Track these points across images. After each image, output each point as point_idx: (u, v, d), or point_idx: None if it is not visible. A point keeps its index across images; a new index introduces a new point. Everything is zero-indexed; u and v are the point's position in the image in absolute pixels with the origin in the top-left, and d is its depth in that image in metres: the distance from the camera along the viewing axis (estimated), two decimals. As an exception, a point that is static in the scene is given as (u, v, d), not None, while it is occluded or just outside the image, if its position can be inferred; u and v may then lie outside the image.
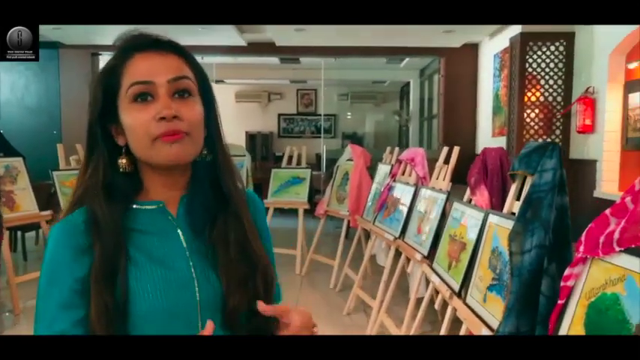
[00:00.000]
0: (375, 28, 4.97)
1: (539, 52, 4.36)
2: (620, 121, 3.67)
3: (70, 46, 6.12)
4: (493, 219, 2.02)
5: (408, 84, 9.14)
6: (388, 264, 3.43)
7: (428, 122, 7.97)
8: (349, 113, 10.58)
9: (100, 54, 6.30)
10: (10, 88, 6.26)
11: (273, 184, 5.32)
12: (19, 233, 5.40)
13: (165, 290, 0.81)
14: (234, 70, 8.51)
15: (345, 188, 4.81)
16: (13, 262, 4.07)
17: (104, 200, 0.82)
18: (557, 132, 4.36)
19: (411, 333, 2.71)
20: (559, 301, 1.32)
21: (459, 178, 2.99)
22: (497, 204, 2.20)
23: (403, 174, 3.70)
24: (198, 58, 0.91)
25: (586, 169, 3.88)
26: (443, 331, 2.24)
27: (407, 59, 7.59)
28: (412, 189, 3.39)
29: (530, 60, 4.37)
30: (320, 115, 10.00)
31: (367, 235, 4.45)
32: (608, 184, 3.73)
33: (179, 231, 0.86)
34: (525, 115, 4.39)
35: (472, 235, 2.19)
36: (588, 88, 3.92)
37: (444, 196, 2.87)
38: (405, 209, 3.36)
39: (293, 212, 5.25)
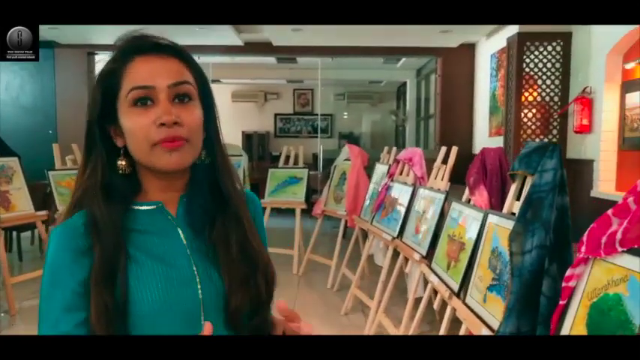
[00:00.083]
0: (372, 28, 4.97)
1: (537, 52, 4.36)
2: (617, 121, 3.68)
3: (66, 45, 6.09)
4: (493, 219, 2.02)
5: (404, 84, 9.13)
6: (386, 264, 3.43)
7: (424, 122, 7.98)
8: (345, 113, 10.58)
9: (96, 53, 6.28)
10: (5, 87, 6.22)
11: (270, 183, 5.31)
12: (14, 233, 5.37)
13: (167, 288, 0.81)
14: (231, 70, 8.50)
15: (342, 188, 4.80)
16: (9, 262, 4.05)
17: (103, 201, 0.82)
18: (555, 132, 4.37)
19: (410, 333, 2.70)
20: (560, 302, 1.31)
21: (456, 178, 2.99)
22: (496, 204, 2.20)
23: (401, 174, 3.70)
24: (195, 58, 0.90)
25: (583, 168, 3.89)
26: (442, 332, 2.23)
27: (403, 59, 7.60)
28: (410, 189, 3.38)
29: (528, 60, 4.38)
30: (317, 114, 10.00)
31: (365, 234, 4.44)
32: (605, 184, 3.74)
33: (179, 230, 0.87)
34: (522, 114, 4.39)
35: (471, 235, 2.18)
36: (585, 88, 3.93)
37: (442, 196, 2.87)
38: (402, 209, 3.36)
39: (290, 212, 5.25)
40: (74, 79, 6.18)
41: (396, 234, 3.31)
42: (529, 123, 4.40)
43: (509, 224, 1.78)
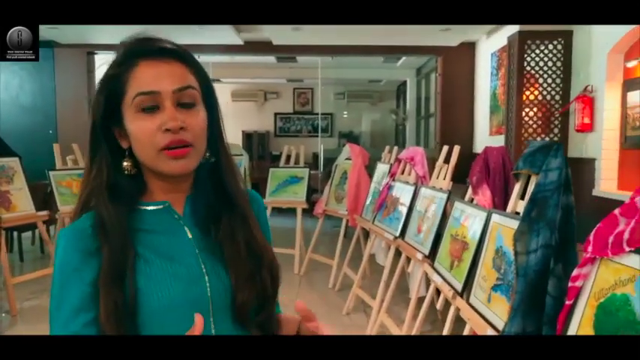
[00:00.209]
0: (372, 27, 4.96)
1: (537, 51, 4.35)
2: (619, 120, 3.67)
3: (66, 45, 6.07)
4: (496, 218, 2.01)
5: (404, 83, 9.12)
6: (388, 263, 3.43)
7: (425, 121, 7.97)
8: (345, 112, 10.57)
9: (96, 53, 6.26)
10: (5, 87, 6.20)
11: (271, 183, 5.30)
12: (15, 233, 5.36)
13: (176, 286, 0.82)
14: (231, 69, 8.48)
15: (343, 187, 4.80)
16: (10, 262, 4.04)
17: (109, 201, 0.83)
18: (556, 130, 4.36)
19: (413, 333, 2.70)
20: (567, 302, 1.31)
21: (457, 177, 2.99)
22: (499, 203, 2.19)
23: (402, 173, 3.69)
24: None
25: (585, 167, 3.88)
26: (445, 332, 2.23)
27: (403, 58, 7.58)
28: (412, 188, 3.38)
29: (529, 58, 4.37)
30: (317, 114, 9.99)
31: (366, 234, 4.44)
32: (606, 183, 3.73)
33: (186, 229, 0.88)
34: (524, 113, 4.38)
35: (475, 235, 2.18)
36: (587, 87, 3.92)
37: (444, 196, 2.87)
38: (404, 208, 3.35)
39: (291, 211, 5.24)
40: (74, 79, 6.16)
41: (397, 233, 3.31)
42: (530, 122, 4.39)
43: (514, 224, 1.77)
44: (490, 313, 1.84)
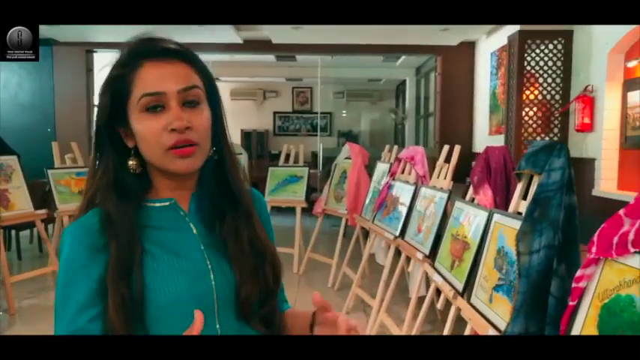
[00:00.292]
0: (372, 27, 4.95)
1: (538, 50, 4.35)
2: (619, 120, 3.67)
3: (64, 43, 6.05)
4: (498, 218, 2.00)
5: (403, 82, 9.12)
6: (388, 263, 3.42)
7: (424, 120, 7.97)
8: (344, 111, 10.56)
9: (95, 51, 6.24)
10: (4, 85, 6.18)
11: (270, 182, 5.29)
12: (13, 232, 5.34)
13: (182, 281, 0.84)
14: (230, 68, 8.46)
15: (343, 187, 4.79)
16: (8, 261, 4.03)
17: (116, 199, 0.85)
18: (556, 130, 4.36)
19: (413, 332, 2.69)
20: (570, 303, 1.30)
21: (456, 177, 2.99)
22: (500, 203, 2.19)
23: (402, 172, 3.68)
24: None
25: (584, 167, 3.88)
26: (446, 332, 2.22)
27: (403, 57, 7.58)
28: (412, 188, 3.37)
29: (529, 58, 4.36)
30: (316, 113, 9.97)
31: (365, 233, 4.43)
32: (606, 183, 3.73)
33: (191, 225, 0.90)
34: (524, 113, 4.38)
35: (476, 235, 2.17)
36: (587, 87, 3.92)
37: (445, 195, 2.86)
38: (404, 208, 3.35)
39: (290, 210, 5.23)
40: (73, 77, 6.15)
41: (397, 233, 3.30)
42: (530, 121, 4.39)
43: (516, 224, 1.77)
44: (492, 313, 1.84)
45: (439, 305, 2.46)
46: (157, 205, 0.89)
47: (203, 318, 0.74)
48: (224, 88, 9.68)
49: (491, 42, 5.50)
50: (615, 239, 1.19)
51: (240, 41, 6.01)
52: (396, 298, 3.56)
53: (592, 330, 1.23)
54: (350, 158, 4.79)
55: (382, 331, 3.29)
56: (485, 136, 5.60)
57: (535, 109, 4.38)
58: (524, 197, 1.87)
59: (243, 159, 5.31)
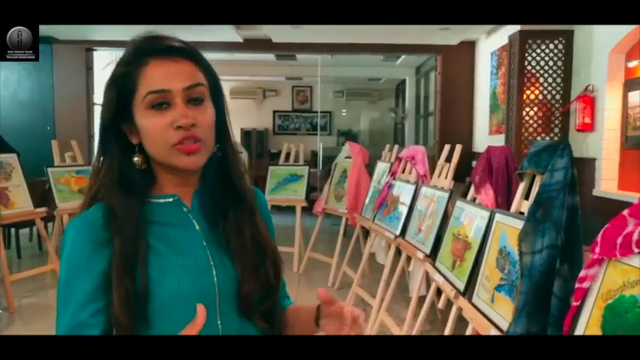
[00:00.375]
0: (372, 26, 4.95)
1: (538, 50, 4.34)
2: (620, 120, 3.67)
3: (64, 41, 6.04)
4: (500, 218, 2.00)
5: (403, 81, 9.11)
6: (388, 262, 3.42)
7: (424, 120, 7.96)
8: (344, 110, 10.55)
9: (95, 49, 6.23)
10: (3, 83, 6.16)
11: (270, 181, 5.29)
12: (12, 230, 5.33)
13: (185, 277, 0.84)
14: (230, 67, 8.44)
15: (343, 186, 4.79)
16: (7, 259, 4.02)
17: (121, 195, 0.85)
18: (556, 130, 4.36)
19: (413, 332, 2.69)
20: (574, 303, 1.30)
21: (455, 176, 2.98)
22: (502, 203, 2.19)
23: (403, 172, 3.68)
24: None
25: (585, 167, 3.88)
26: (447, 331, 2.22)
27: (403, 57, 7.57)
28: (412, 187, 3.37)
29: (529, 58, 4.36)
30: (316, 112, 9.96)
31: (365, 233, 4.43)
32: (607, 183, 3.73)
33: (194, 222, 0.91)
34: (524, 113, 4.38)
35: (477, 234, 2.17)
36: (588, 87, 3.91)
37: (446, 195, 2.86)
38: (405, 207, 3.35)
39: (290, 210, 5.23)
40: (72, 76, 6.13)
41: (398, 232, 3.30)
42: (530, 121, 4.38)
43: (518, 223, 1.77)
44: (494, 313, 1.83)
45: (440, 305, 2.45)
46: (161, 201, 0.90)
47: (205, 312, 0.75)
48: (224, 87, 9.59)
49: (491, 41, 5.49)
50: (619, 239, 1.19)
51: (240, 40, 6.00)
52: (396, 298, 3.56)
53: (595, 330, 1.23)
54: (350, 157, 4.78)
55: (382, 330, 3.29)
56: (485, 136, 5.60)
57: (535, 108, 4.37)
58: (527, 197, 1.87)
59: (244, 158, 5.29)
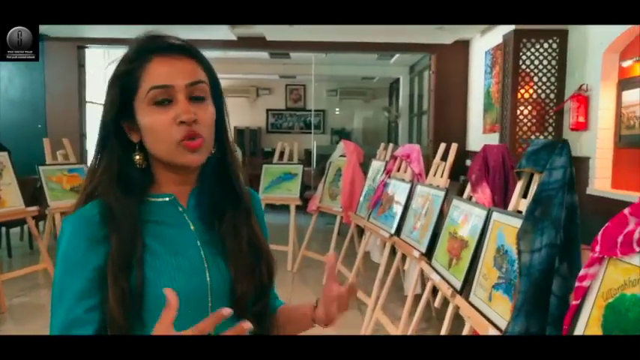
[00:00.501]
0: (366, 25, 4.94)
1: (533, 49, 4.35)
2: (614, 119, 3.68)
3: (56, 38, 5.97)
4: (498, 217, 2.00)
5: (397, 80, 9.12)
6: (383, 261, 3.41)
7: (417, 119, 7.97)
8: (337, 109, 10.54)
9: (87, 47, 6.18)
10: (-6, 80, 6.10)
11: (264, 179, 5.27)
12: (3, 229, 5.28)
13: (179, 278, 0.85)
14: (223, 65, 8.40)
15: (337, 184, 4.78)
16: (-2, 259, 3.98)
17: (120, 193, 0.85)
18: (550, 129, 4.37)
19: (409, 331, 2.69)
20: (574, 302, 1.29)
21: (450, 175, 2.97)
22: (499, 201, 2.18)
23: (398, 170, 3.68)
24: None
25: (579, 166, 3.89)
26: (444, 330, 2.21)
27: (397, 55, 7.58)
28: (408, 186, 3.36)
29: (524, 57, 4.37)
30: (309, 110, 9.95)
31: (360, 231, 4.42)
32: (601, 182, 3.75)
33: (189, 222, 0.91)
34: (518, 112, 4.39)
35: (474, 233, 2.16)
36: (582, 86, 3.93)
37: (441, 193, 2.85)
38: (400, 206, 3.34)
39: (283, 208, 5.21)
40: (64, 73, 6.08)
41: (393, 231, 3.29)
42: (525, 120, 4.39)
43: (516, 222, 1.76)
44: (491, 311, 1.83)
45: (436, 304, 2.45)
46: (158, 200, 0.90)
47: (176, 297, 0.71)
48: (217, 85, 9.61)
49: (485, 41, 5.50)
50: (620, 238, 1.19)
51: (234, 38, 5.97)
52: (391, 296, 3.56)
53: (596, 329, 1.23)
54: (345, 156, 4.77)
55: (377, 329, 3.28)
56: (479, 135, 5.61)
57: (530, 107, 4.38)
58: (524, 196, 1.87)
59: (238, 156, 5.27)
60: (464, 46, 6.06)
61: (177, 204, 0.91)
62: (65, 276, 0.82)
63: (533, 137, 4.39)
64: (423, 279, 3.09)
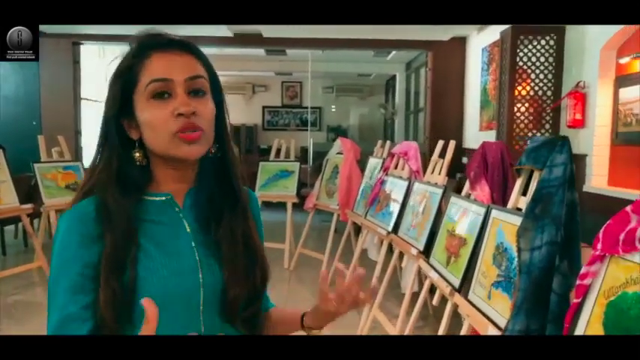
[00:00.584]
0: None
1: (530, 46, 4.34)
2: (611, 116, 3.68)
3: (51, 34, 5.92)
4: (497, 214, 1.99)
5: (393, 77, 9.11)
6: (381, 259, 3.40)
7: (414, 116, 7.97)
8: (333, 106, 10.52)
9: (82, 43, 6.13)
10: (-12, 77, 6.05)
11: (261, 177, 5.25)
12: (-3, 227, 5.24)
13: (170, 278, 0.84)
14: (219, 61, 8.30)
15: (334, 182, 4.77)
16: (-7, 257, 3.95)
17: (117, 191, 0.85)
18: (547, 126, 4.36)
19: (407, 328, 2.68)
20: (575, 300, 1.28)
21: (447, 172, 2.97)
22: (498, 199, 2.17)
23: (396, 168, 3.66)
24: None
25: (576, 163, 3.85)
26: (442, 328, 2.21)
27: (393, 52, 7.56)
28: (405, 183, 3.35)
29: (521, 54, 4.35)
30: (306, 107, 9.93)
31: (357, 229, 4.41)
32: (597, 179, 3.74)
33: (185, 222, 0.90)
34: (515, 109, 4.38)
35: (473, 231, 2.16)
36: (579, 83, 3.92)
37: (439, 191, 2.85)
38: (398, 204, 3.33)
39: (279, 205, 5.19)
40: (59, 69, 6.02)
41: (390, 228, 3.28)
42: (522, 117, 4.38)
43: (515, 220, 1.76)
44: (491, 310, 1.82)
45: (435, 301, 2.44)
46: (155, 199, 0.90)
47: (155, 309, 0.69)
48: (213, 82, 9.57)
49: (482, 38, 5.49)
50: (622, 236, 1.18)
51: (231, 35, 5.94)
52: (388, 295, 3.55)
53: (597, 328, 1.22)
54: (342, 153, 4.76)
55: (375, 326, 3.28)
56: (475, 132, 5.61)
57: (527, 105, 4.37)
58: (524, 193, 1.86)
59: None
60: (460, 43, 6.05)
61: (173, 204, 0.90)
62: (59, 271, 0.83)
63: (530, 134, 4.39)
64: (421, 277, 3.08)
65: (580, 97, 3.90)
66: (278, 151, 5.40)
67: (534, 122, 4.38)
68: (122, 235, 0.82)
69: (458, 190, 2.57)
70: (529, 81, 4.37)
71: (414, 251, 2.80)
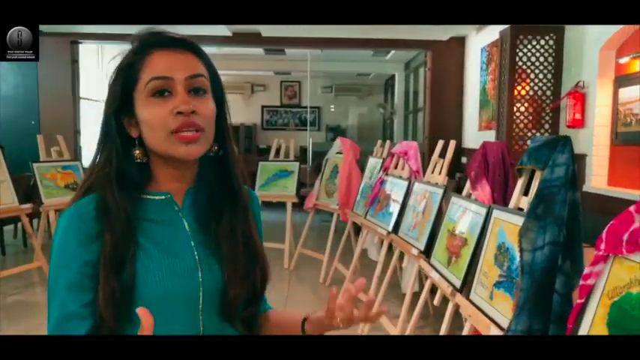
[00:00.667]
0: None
1: (530, 46, 4.34)
2: (610, 116, 3.69)
3: (49, 33, 5.91)
4: (498, 214, 1.99)
5: (392, 77, 9.10)
6: (381, 259, 3.40)
7: (413, 115, 7.96)
8: (332, 106, 10.52)
9: (80, 42, 6.11)
10: (-14, 76, 6.03)
11: (260, 177, 5.24)
12: (-4, 227, 5.23)
13: (170, 276, 0.84)
14: (217, 61, 8.08)
15: (334, 182, 4.76)
16: (-8, 257, 3.94)
17: (116, 189, 0.85)
18: (547, 126, 4.37)
19: (408, 328, 2.68)
20: (578, 301, 1.28)
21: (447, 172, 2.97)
22: (499, 199, 2.17)
23: (396, 167, 3.66)
24: None
25: (576, 163, 3.89)
26: (444, 328, 2.21)
27: (392, 52, 7.56)
28: (405, 183, 3.35)
29: (520, 54, 4.36)
30: (305, 107, 9.92)
31: (357, 229, 4.41)
32: (597, 179, 3.75)
33: (184, 221, 0.90)
34: (515, 109, 4.38)
35: (474, 231, 2.16)
36: (578, 83, 3.93)
37: (440, 190, 2.85)
38: (398, 203, 3.33)
39: (279, 205, 5.19)
40: (57, 68, 6.00)
41: (390, 228, 3.28)
42: (521, 117, 4.39)
43: (517, 220, 1.76)
44: (492, 310, 1.82)
45: (436, 301, 2.44)
46: (155, 198, 0.89)
47: (150, 318, 0.70)
48: (212, 81, 9.56)
49: (481, 37, 5.50)
50: (625, 236, 1.18)
51: (229, 34, 5.94)
52: (388, 295, 3.55)
53: (601, 328, 1.22)
54: (341, 153, 4.76)
55: (375, 327, 3.27)
56: (474, 132, 5.61)
57: (526, 104, 4.37)
58: (525, 193, 1.86)
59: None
60: (460, 42, 6.06)
61: (173, 203, 0.90)
62: (59, 269, 0.83)
63: (529, 134, 4.39)
64: (421, 277, 3.08)
65: (579, 97, 3.90)
66: (277, 150, 5.40)
67: (534, 122, 4.38)
68: (121, 233, 0.82)
69: (457, 190, 2.57)
70: (528, 81, 4.37)
71: (414, 251, 2.80)
